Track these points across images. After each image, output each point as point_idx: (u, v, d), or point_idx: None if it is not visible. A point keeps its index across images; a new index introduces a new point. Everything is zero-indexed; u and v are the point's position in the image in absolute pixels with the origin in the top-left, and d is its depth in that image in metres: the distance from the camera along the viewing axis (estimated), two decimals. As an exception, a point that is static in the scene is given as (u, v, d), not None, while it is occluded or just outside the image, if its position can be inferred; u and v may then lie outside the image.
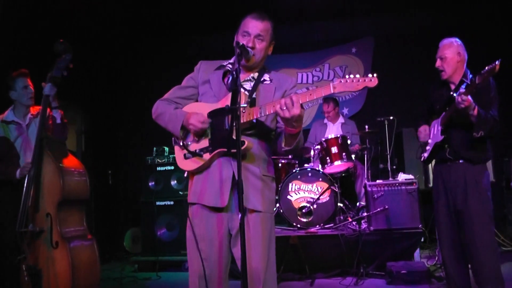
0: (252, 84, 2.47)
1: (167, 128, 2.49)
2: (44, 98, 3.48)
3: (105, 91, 7.76)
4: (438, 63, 3.38)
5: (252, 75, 2.50)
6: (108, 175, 7.23)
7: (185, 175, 2.51)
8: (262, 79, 2.49)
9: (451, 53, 3.35)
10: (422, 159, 3.63)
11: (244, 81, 2.48)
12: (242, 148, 2.25)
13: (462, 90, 3.19)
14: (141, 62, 8.17)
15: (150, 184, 6.07)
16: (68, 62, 3.48)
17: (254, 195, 2.35)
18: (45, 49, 5.59)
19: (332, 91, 2.15)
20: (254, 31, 2.40)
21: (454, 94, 3.24)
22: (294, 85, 2.55)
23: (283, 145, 2.37)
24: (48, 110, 3.58)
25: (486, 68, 2.93)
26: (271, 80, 2.50)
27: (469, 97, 3.02)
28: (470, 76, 3.37)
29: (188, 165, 2.43)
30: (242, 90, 2.40)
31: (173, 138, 2.51)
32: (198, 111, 2.41)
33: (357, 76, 2.15)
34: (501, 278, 3.21)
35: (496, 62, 2.87)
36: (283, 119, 2.19)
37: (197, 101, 2.55)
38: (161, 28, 7.60)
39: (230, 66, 2.53)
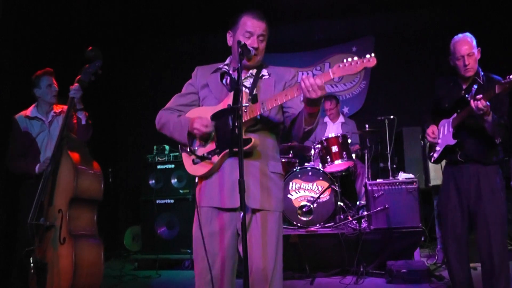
0: (251, 80, 2.47)
1: (173, 137, 2.47)
2: (70, 100, 3.63)
3: (105, 89, 7.73)
4: (467, 60, 3.24)
5: (250, 71, 2.49)
6: (109, 173, 7.21)
7: (196, 180, 2.48)
8: (260, 75, 2.48)
9: (475, 50, 3.28)
10: (432, 160, 3.59)
11: (244, 79, 2.47)
12: (249, 146, 2.24)
13: (474, 90, 3.16)
14: (141, 60, 8.17)
15: (150, 182, 6.06)
16: (98, 68, 3.65)
17: (262, 194, 2.33)
18: (43, 49, 5.63)
19: (332, 77, 2.09)
20: (257, 31, 2.40)
21: (467, 96, 3.21)
22: (294, 76, 2.54)
23: (303, 126, 2.26)
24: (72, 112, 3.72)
25: (508, 79, 2.85)
26: (269, 74, 2.49)
27: (488, 103, 2.96)
28: (482, 73, 3.32)
29: (198, 170, 2.40)
30: (242, 87, 2.37)
31: (179, 146, 2.49)
32: (202, 115, 2.39)
33: (355, 58, 2.09)
34: (509, 279, 3.22)
35: None
36: (308, 100, 2.12)
37: (199, 106, 2.54)
38: (160, 26, 7.58)
39: (226, 67, 2.52)
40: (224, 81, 2.50)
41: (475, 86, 3.25)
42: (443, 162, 3.60)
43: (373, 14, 7.63)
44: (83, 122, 3.83)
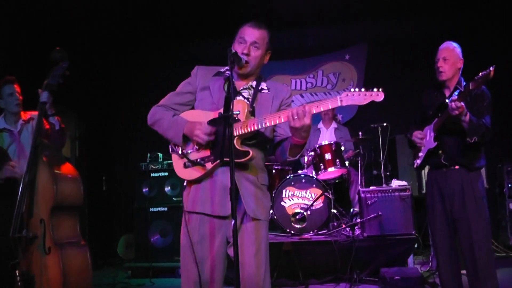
0: (251, 92, 2.49)
1: (165, 135, 2.46)
2: (40, 106, 3.46)
3: (99, 97, 7.75)
4: (440, 63, 3.36)
5: (250, 83, 2.51)
6: (102, 181, 7.22)
7: (185, 184, 2.48)
8: (260, 88, 2.50)
9: (454, 57, 3.37)
10: (415, 166, 3.63)
11: (243, 89, 2.49)
12: (247, 158, 2.27)
13: (455, 96, 3.22)
14: (136, 67, 8.16)
15: (144, 190, 6.05)
16: (65, 70, 3.48)
17: (256, 204, 2.37)
18: (36, 54, 5.62)
19: (339, 104, 2.18)
20: (250, 38, 2.42)
21: (447, 101, 3.26)
22: (290, 95, 2.59)
23: (287, 154, 2.37)
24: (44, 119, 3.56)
25: (480, 74, 2.95)
26: (268, 89, 2.52)
27: (462, 103, 3.04)
28: (464, 83, 3.38)
29: (188, 174, 2.41)
30: (241, 97, 2.44)
31: (170, 146, 2.48)
32: (198, 119, 2.39)
33: (363, 90, 2.20)
34: (497, 285, 3.23)
35: (491, 68, 2.90)
36: (292, 128, 2.21)
37: (193, 107, 2.54)
38: (156, 33, 7.60)
39: (229, 72, 2.51)
40: (225, 87, 2.48)
41: (456, 93, 3.32)
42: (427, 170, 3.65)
43: (366, 22, 7.67)
44: (57, 127, 3.66)
